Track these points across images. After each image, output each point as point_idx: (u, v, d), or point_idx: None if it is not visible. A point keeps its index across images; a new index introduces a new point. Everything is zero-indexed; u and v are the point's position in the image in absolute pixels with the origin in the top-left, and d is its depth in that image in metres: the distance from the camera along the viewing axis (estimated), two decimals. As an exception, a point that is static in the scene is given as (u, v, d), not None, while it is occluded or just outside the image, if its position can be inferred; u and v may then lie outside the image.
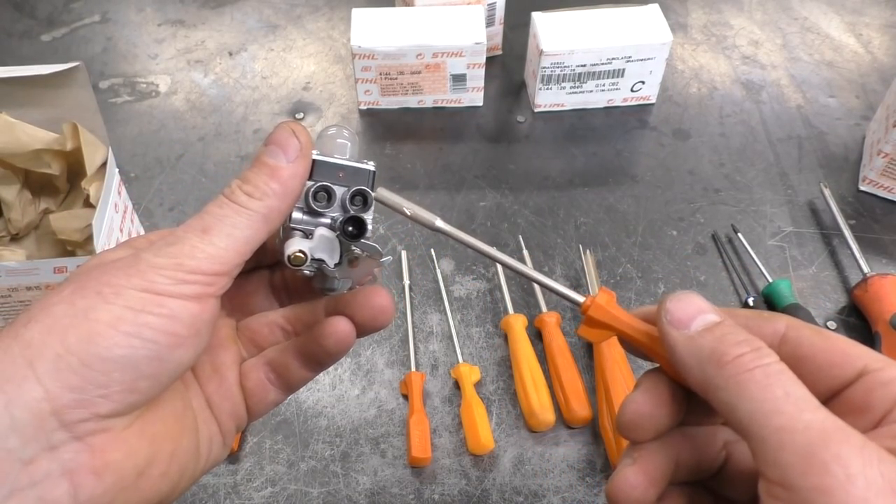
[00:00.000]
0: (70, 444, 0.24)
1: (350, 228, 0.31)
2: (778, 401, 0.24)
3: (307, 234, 0.31)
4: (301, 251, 0.30)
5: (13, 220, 0.63)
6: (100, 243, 0.55)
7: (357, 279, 0.33)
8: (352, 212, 0.31)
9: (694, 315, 0.28)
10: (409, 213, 0.32)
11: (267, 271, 0.36)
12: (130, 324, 0.25)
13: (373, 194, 0.32)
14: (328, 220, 0.31)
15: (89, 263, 0.28)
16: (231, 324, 0.34)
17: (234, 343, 0.34)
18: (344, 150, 0.32)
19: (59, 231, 0.61)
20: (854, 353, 0.27)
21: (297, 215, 0.31)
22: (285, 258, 0.30)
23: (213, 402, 0.32)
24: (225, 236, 0.28)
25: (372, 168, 0.32)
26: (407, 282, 0.65)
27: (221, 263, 0.27)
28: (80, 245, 0.61)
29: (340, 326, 0.32)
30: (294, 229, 0.31)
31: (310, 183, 0.31)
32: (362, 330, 0.32)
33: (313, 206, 0.31)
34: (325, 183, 0.31)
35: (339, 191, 0.31)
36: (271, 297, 0.35)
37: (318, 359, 0.33)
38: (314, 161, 0.31)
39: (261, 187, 0.29)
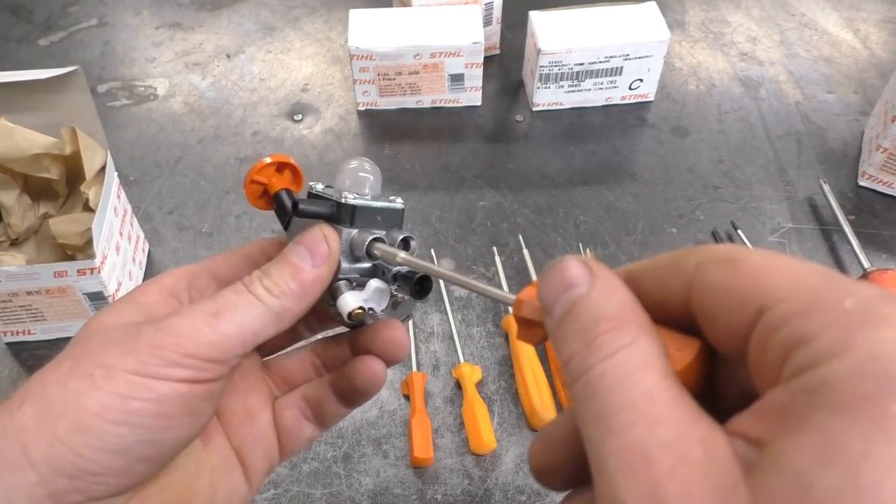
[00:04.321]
0: None
1: (418, 288, 0.31)
2: (626, 410, 0.18)
3: (352, 283, 0.31)
4: (361, 307, 0.30)
5: (13, 225, 0.63)
6: (99, 247, 0.55)
7: (396, 318, 0.34)
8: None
9: (560, 293, 0.22)
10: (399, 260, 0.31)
11: None
12: (118, 411, 0.25)
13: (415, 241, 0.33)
14: (369, 265, 0.32)
15: (90, 328, 0.28)
16: (257, 363, 0.34)
17: (264, 382, 0.34)
18: (364, 184, 0.32)
19: (58, 235, 0.61)
20: (761, 283, 0.19)
21: (345, 265, 0.31)
22: (346, 315, 0.30)
23: (246, 447, 0.32)
24: (233, 325, 0.27)
25: (401, 206, 0.33)
26: (407, 282, 0.65)
27: (222, 351, 0.27)
28: (80, 249, 0.61)
29: (372, 366, 0.32)
30: (342, 279, 0.31)
31: (353, 231, 0.31)
32: None
33: (373, 260, 0.31)
34: (379, 234, 0.31)
35: (379, 233, 0.32)
36: (299, 324, 0.34)
37: (351, 396, 0.33)
38: (354, 207, 0.31)
39: (280, 285, 0.28)
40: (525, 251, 0.67)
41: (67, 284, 0.56)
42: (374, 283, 0.32)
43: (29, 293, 0.56)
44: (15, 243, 0.64)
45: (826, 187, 0.70)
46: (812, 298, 0.17)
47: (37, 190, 0.65)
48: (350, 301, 0.30)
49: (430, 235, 0.70)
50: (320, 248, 0.29)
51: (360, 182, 0.32)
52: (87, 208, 0.62)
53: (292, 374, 0.34)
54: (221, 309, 0.27)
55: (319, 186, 0.32)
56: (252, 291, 0.28)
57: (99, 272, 0.55)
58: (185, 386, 0.26)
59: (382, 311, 0.32)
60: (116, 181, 0.61)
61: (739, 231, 0.69)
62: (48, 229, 0.62)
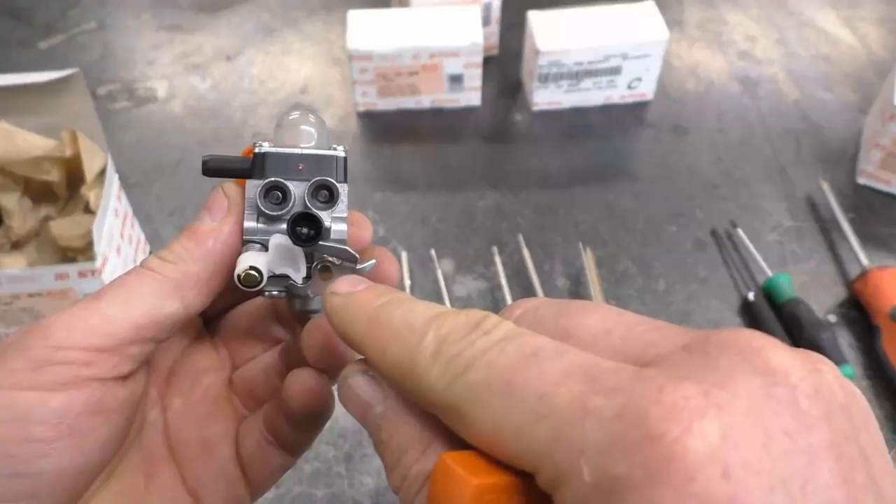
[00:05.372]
0: None
1: (302, 230, 0.25)
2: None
3: (265, 246, 0.25)
4: (253, 268, 0.24)
5: (14, 228, 0.63)
6: (100, 249, 0.55)
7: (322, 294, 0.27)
8: (311, 209, 0.25)
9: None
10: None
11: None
12: None
13: (345, 187, 0.26)
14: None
15: None
16: (222, 380, 0.28)
17: (228, 403, 0.28)
18: (309, 140, 0.27)
19: (59, 238, 0.61)
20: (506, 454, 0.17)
21: (249, 224, 0.25)
22: (235, 278, 0.24)
23: (203, 486, 0.26)
24: (118, 303, 0.22)
25: (342, 154, 0.26)
26: (408, 282, 0.65)
27: (107, 336, 0.22)
28: (80, 251, 0.61)
29: (304, 381, 0.25)
30: (249, 241, 0.25)
31: (260, 182, 0.25)
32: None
33: (264, 209, 0.25)
34: (276, 179, 0.25)
35: (300, 187, 0.26)
36: (281, 329, 0.29)
37: (297, 421, 0.26)
38: (264, 155, 0.26)
39: (175, 250, 0.24)
40: (525, 251, 0.67)
41: (68, 287, 0.56)
42: (276, 239, 0.25)
43: (30, 295, 0.56)
44: (16, 246, 0.64)
45: (825, 185, 0.71)
46: (554, 470, 0.16)
47: (37, 193, 0.65)
48: (245, 259, 0.24)
49: (430, 235, 0.70)
50: (219, 202, 0.25)
51: (304, 137, 0.27)
52: (88, 211, 0.62)
53: (256, 385, 0.28)
54: (105, 290, 0.23)
55: (266, 145, 0.27)
56: (145, 265, 0.24)
57: (100, 274, 0.55)
58: (57, 395, 0.21)
59: (305, 279, 0.25)
60: (117, 183, 0.61)
61: (739, 229, 0.69)
62: (49, 232, 0.62)
